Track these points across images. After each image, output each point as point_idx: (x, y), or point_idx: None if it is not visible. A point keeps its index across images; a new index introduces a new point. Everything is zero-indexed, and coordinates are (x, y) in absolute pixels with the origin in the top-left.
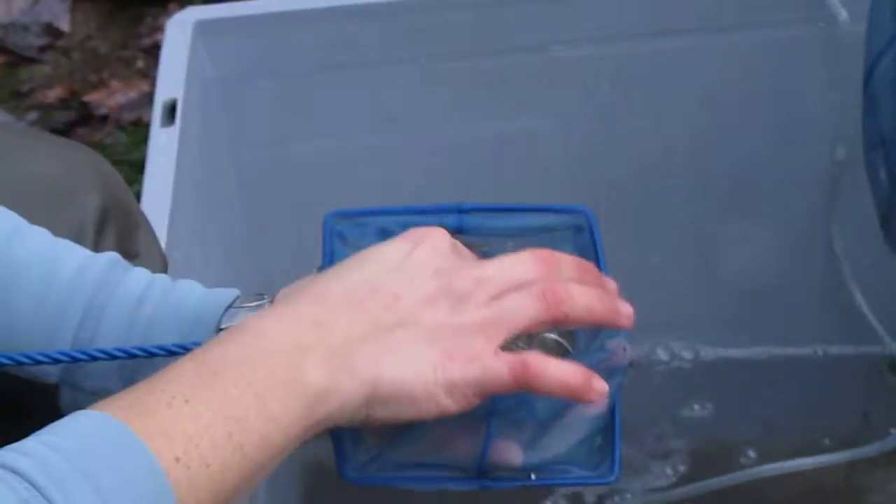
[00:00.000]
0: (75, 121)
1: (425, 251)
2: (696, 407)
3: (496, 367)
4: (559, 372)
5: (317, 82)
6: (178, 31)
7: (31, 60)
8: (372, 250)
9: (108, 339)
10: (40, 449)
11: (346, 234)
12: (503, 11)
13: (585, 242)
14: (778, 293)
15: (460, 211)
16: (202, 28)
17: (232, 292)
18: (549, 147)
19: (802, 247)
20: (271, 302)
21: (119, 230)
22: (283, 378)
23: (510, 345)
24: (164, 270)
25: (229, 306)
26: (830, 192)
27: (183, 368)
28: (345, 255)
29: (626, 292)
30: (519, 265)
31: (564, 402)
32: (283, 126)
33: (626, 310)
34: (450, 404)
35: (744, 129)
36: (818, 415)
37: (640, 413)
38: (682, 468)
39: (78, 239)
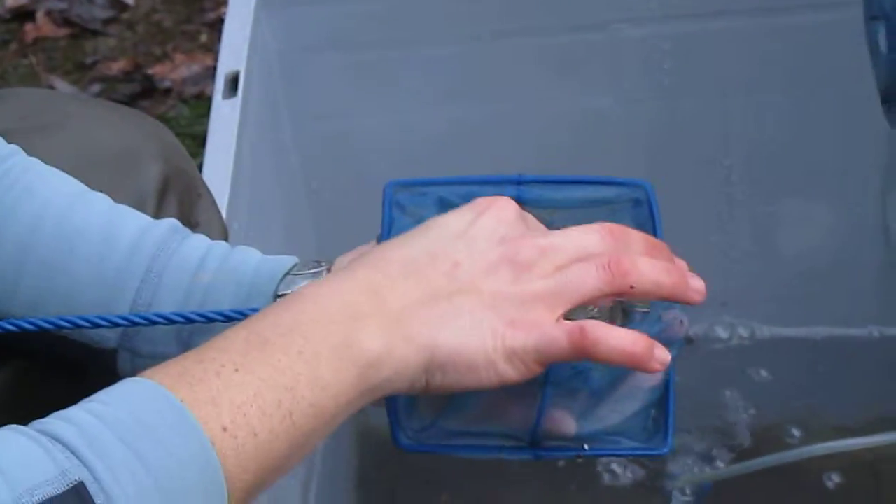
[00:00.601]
0: (138, 93)
1: (490, 219)
2: (750, 385)
3: (557, 334)
4: (621, 340)
5: (379, 57)
6: (241, 3)
7: (95, 33)
8: (436, 219)
9: (166, 304)
10: (85, 417)
11: (405, 203)
12: None
13: (644, 216)
14: (834, 273)
15: (520, 182)
16: (265, 1)
17: (290, 259)
18: (611, 124)
19: (860, 227)
20: (329, 269)
21: (180, 199)
22: (335, 344)
23: (573, 314)
24: (225, 240)
25: (287, 273)
26: (888, 172)
27: (234, 337)
28: (404, 225)
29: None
30: (586, 236)
31: (620, 373)
32: (343, 100)
33: (697, 284)
34: (510, 372)
35: (803, 108)
36: (873, 395)
37: (696, 389)
38: (734, 444)
39: (139, 207)
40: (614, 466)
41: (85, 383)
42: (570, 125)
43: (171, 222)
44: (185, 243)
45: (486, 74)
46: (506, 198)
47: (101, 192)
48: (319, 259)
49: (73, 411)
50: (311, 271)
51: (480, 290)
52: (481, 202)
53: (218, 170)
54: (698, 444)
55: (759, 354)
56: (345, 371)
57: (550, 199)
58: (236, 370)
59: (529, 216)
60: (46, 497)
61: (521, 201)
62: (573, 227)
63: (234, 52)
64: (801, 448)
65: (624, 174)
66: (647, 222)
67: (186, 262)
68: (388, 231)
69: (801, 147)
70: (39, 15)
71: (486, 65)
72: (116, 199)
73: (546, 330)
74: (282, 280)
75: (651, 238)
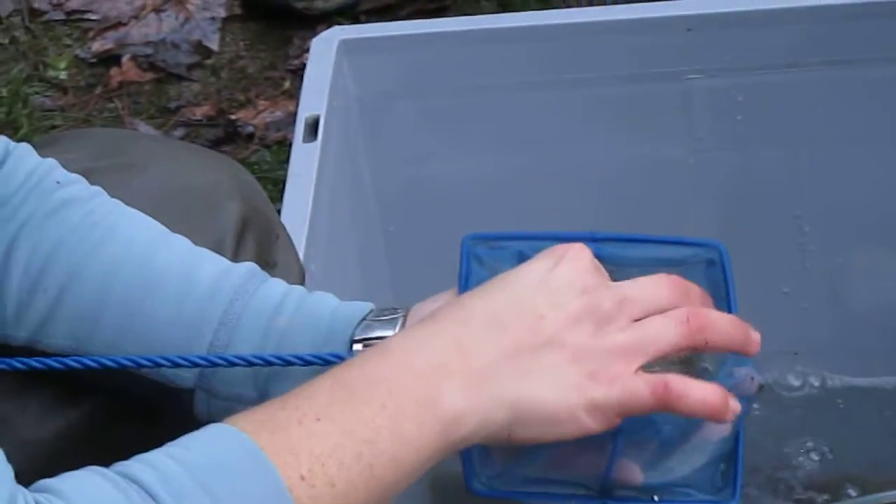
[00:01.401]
0: (221, 138)
1: (567, 268)
2: (820, 437)
3: (639, 387)
4: (701, 392)
5: (457, 103)
6: (322, 49)
7: (180, 78)
8: (515, 270)
9: (244, 346)
10: (165, 461)
11: (483, 256)
12: (640, 39)
13: (717, 277)
14: None
15: (594, 239)
16: (346, 47)
17: (366, 305)
18: (682, 175)
19: None
20: (405, 317)
21: (258, 239)
22: (419, 400)
23: (648, 368)
24: (302, 282)
25: (363, 319)
26: None
27: (319, 386)
28: (481, 277)
29: (756, 320)
30: (657, 288)
31: (691, 425)
32: (421, 145)
33: (755, 336)
34: (591, 424)
35: (871, 161)
36: None
37: (765, 439)
38: (799, 496)
39: (217, 247)
40: None
41: (160, 423)
42: (642, 175)
43: (249, 266)
44: (263, 287)
45: (560, 122)
46: (580, 245)
47: (180, 230)
48: (396, 307)
49: (154, 454)
50: (388, 318)
51: (563, 343)
52: (557, 250)
53: (296, 212)
54: (764, 496)
55: (829, 404)
56: (427, 426)
57: (623, 258)
58: (318, 419)
59: (598, 263)
60: None
61: (596, 258)
62: (641, 277)
63: (314, 96)
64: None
65: (695, 225)
66: (721, 283)
67: (264, 305)
68: (465, 283)
69: (872, 198)
70: (125, 59)
71: (562, 112)
72: (195, 239)
73: (628, 383)
74: (358, 325)
75: (702, 290)
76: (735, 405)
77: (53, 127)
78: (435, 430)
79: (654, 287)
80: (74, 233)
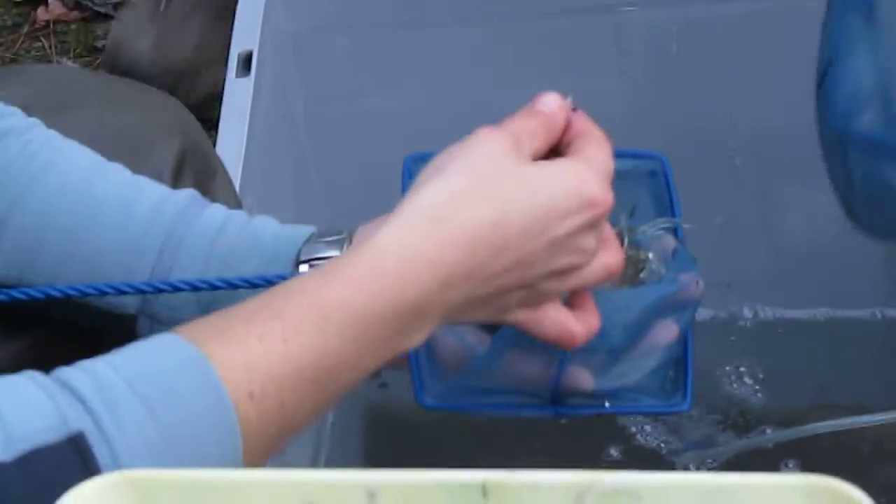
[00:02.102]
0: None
1: (589, 229)
2: (752, 367)
3: (546, 328)
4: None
5: (388, 38)
6: None
7: (106, 17)
8: (549, 189)
9: (187, 270)
10: (103, 368)
11: None
12: None
13: (660, 187)
14: (837, 256)
15: None
16: None
17: (308, 228)
18: (616, 107)
19: None
20: (350, 238)
21: (196, 175)
22: (388, 337)
23: None
24: None
25: (307, 240)
26: None
27: (294, 304)
28: None
29: (690, 251)
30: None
31: (639, 330)
32: (354, 81)
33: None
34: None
35: (807, 95)
36: (876, 376)
37: (700, 369)
38: (736, 424)
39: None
40: (613, 451)
41: (104, 350)
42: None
43: (190, 192)
44: (205, 211)
45: (493, 57)
46: (608, 202)
47: None
48: (340, 229)
49: (95, 361)
50: (333, 238)
51: (536, 289)
52: (594, 201)
53: (231, 147)
54: (703, 424)
55: (762, 336)
56: (385, 357)
57: None
58: (284, 341)
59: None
60: (41, 444)
61: None
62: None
63: (247, 31)
64: (801, 426)
65: None
66: (664, 193)
67: (206, 228)
68: None
69: (805, 131)
70: None
71: (494, 47)
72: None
73: (543, 318)
74: (303, 246)
75: None
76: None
77: None
78: (389, 358)
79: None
80: (12, 164)
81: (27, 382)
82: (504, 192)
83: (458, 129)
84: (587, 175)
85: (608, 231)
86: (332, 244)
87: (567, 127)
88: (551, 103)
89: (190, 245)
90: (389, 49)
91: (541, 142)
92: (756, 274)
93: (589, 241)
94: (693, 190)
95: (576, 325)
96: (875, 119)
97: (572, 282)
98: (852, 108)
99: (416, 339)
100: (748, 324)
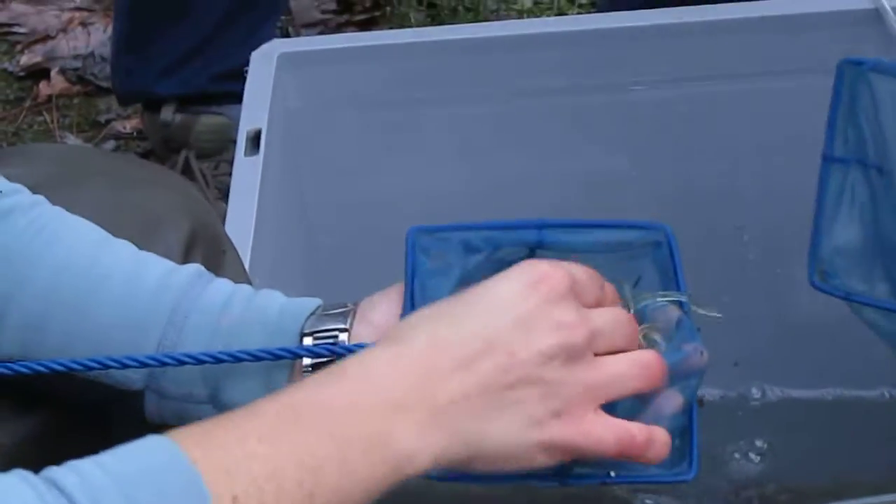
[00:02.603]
0: (151, 151)
1: (543, 298)
2: (760, 446)
3: (603, 435)
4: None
5: (395, 116)
6: (262, 62)
7: (109, 91)
8: (488, 291)
9: (192, 345)
10: (91, 468)
11: (429, 247)
12: (583, 51)
13: (664, 258)
14: (845, 335)
15: (541, 227)
16: (286, 60)
17: (314, 301)
18: (625, 184)
19: None
20: (355, 311)
21: (206, 254)
22: (370, 436)
23: None
24: None
25: (312, 313)
26: None
27: (266, 407)
28: (427, 269)
29: (696, 323)
30: (621, 325)
31: (644, 400)
32: (361, 157)
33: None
34: (547, 461)
35: (814, 173)
36: (885, 456)
37: (706, 449)
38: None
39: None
40: None
41: (113, 427)
42: (585, 185)
43: (195, 267)
44: (211, 286)
45: (502, 134)
46: (558, 271)
47: None
48: (345, 302)
49: (84, 461)
50: (338, 311)
51: (533, 381)
52: (533, 270)
53: (240, 225)
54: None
55: (769, 415)
56: (377, 462)
57: (571, 243)
58: (260, 440)
59: (580, 283)
60: None
61: (542, 244)
62: (604, 310)
63: (255, 110)
64: None
65: None
66: (668, 264)
67: (212, 303)
68: (412, 275)
69: (812, 209)
70: (53, 73)
71: (503, 124)
72: None
73: (594, 429)
74: (307, 319)
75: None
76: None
77: None
78: (385, 466)
79: (618, 323)
80: (18, 240)
81: (16, 481)
82: (465, 295)
83: (464, 206)
84: (532, 262)
85: (633, 328)
86: (336, 317)
87: None
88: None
89: (195, 320)
90: (398, 126)
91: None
92: (764, 353)
93: (566, 314)
94: (700, 268)
95: (633, 426)
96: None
97: (592, 373)
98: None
99: (408, 438)
100: (756, 403)
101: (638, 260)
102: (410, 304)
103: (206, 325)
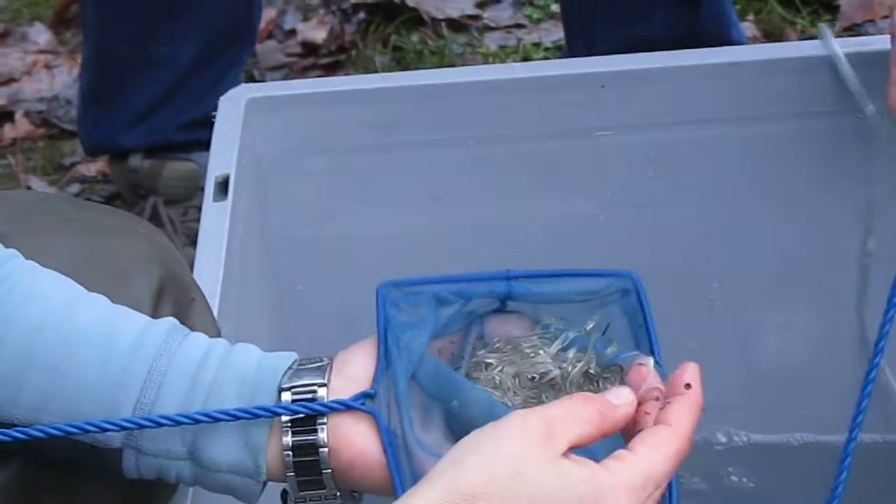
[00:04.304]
0: (116, 195)
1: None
2: (725, 491)
3: None
4: None
5: (364, 161)
6: (230, 107)
7: (73, 134)
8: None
9: (170, 403)
10: None
11: (399, 302)
12: (550, 96)
13: (633, 305)
14: (812, 380)
15: (509, 278)
16: (253, 105)
17: (290, 356)
18: (593, 230)
19: (837, 335)
20: (331, 366)
21: (175, 303)
22: None
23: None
24: None
25: (288, 368)
26: (861, 282)
27: None
28: (399, 322)
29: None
30: None
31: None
32: (329, 202)
33: None
34: None
35: (780, 219)
36: (850, 500)
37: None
38: None
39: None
40: None
41: (90, 481)
42: (553, 231)
43: (170, 322)
44: (186, 342)
45: (469, 179)
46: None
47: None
48: (321, 356)
49: None
50: (315, 366)
51: None
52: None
53: (209, 271)
54: None
55: (736, 461)
56: None
57: (539, 294)
58: None
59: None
60: None
61: (511, 297)
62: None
63: (223, 155)
64: None
65: None
66: (637, 311)
67: (188, 360)
68: (384, 330)
69: (778, 256)
70: (18, 115)
71: (470, 170)
72: (113, 303)
73: None
74: (284, 374)
75: None
76: None
77: None
78: None
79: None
80: None
81: None
82: (513, 499)
83: (431, 251)
84: (609, 489)
85: None
86: (313, 371)
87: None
88: (622, 396)
89: (172, 378)
90: (365, 171)
91: (589, 429)
92: (730, 398)
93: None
94: (668, 313)
95: None
96: None
97: None
98: None
99: None
100: (722, 448)
101: (607, 307)
102: (385, 358)
103: (183, 382)
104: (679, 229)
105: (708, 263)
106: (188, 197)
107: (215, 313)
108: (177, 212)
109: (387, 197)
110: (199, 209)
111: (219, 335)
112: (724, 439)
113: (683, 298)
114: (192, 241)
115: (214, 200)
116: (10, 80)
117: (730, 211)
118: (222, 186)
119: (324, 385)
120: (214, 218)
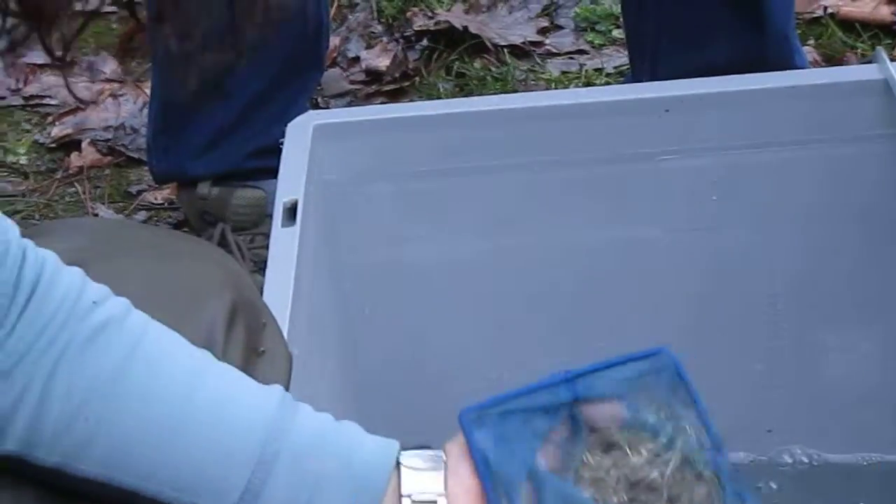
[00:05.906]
0: (183, 222)
1: None
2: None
3: None
4: None
5: (429, 186)
6: (298, 134)
7: (139, 162)
8: None
9: (280, 485)
10: None
11: (483, 421)
12: (614, 121)
13: (674, 379)
14: (878, 401)
15: (568, 380)
16: (321, 131)
17: (393, 444)
18: (657, 254)
19: None
20: (445, 462)
21: (247, 327)
22: None
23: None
24: (290, 366)
25: (400, 464)
26: None
27: None
28: (487, 445)
29: (729, 397)
30: None
31: None
32: (396, 228)
33: None
34: None
35: (844, 239)
36: None
37: None
38: None
39: (208, 336)
40: None
41: None
42: (617, 255)
43: (279, 394)
44: (296, 420)
45: (535, 203)
46: None
47: (172, 320)
48: (426, 446)
49: None
50: (428, 465)
51: None
52: None
53: (278, 296)
54: None
55: (803, 480)
56: None
57: (604, 391)
58: None
59: None
60: None
61: (577, 398)
62: None
63: (292, 181)
64: None
65: (671, 303)
66: (680, 384)
67: (298, 446)
68: (482, 461)
69: (844, 277)
70: (84, 144)
71: (536, 194)
72: (186, 330)
73: None
74: (398, 468)
75: None
76: None
77: (16, 212)
78: None
79: None
80: (113, 364)
81: None
82: None
83: (495, 275)
84: None
85: None
86: (428, 471)
87: None
88: None
89: (283, 463)
90: (431, 196)
91: None
92: (797, 419)
93: None
94: (734, 336)
95: None
96: None
97: None
98: None
99: None
100: (788, 469)
101: (655, 387)
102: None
103: (293, 471)
104: (743, 252)
105: (771, 286)
106: (255, 224)
107: (285, 336)
108: (244, 239)
109: (452, 222)
110: (266, 236)
111: (290, 359)
112: (789, 460)
113: (748, 321)
114: (259, 267)
115: (283, 226)
116: (77, 109)
117: (792, 233)
118: (291, 212)
119: (442, 495)
120: (283, 243)
